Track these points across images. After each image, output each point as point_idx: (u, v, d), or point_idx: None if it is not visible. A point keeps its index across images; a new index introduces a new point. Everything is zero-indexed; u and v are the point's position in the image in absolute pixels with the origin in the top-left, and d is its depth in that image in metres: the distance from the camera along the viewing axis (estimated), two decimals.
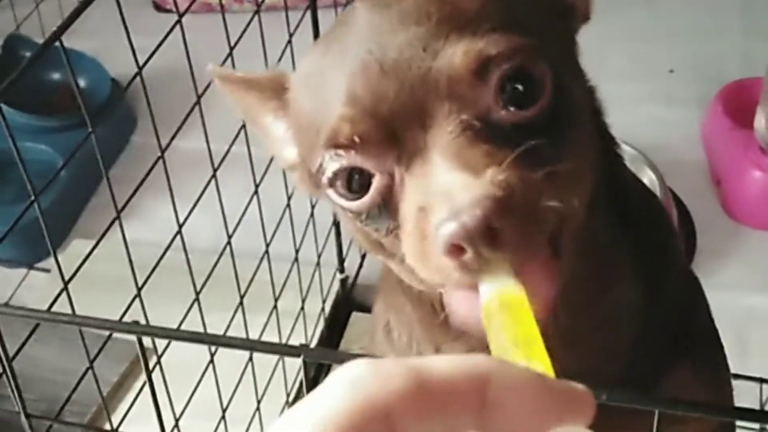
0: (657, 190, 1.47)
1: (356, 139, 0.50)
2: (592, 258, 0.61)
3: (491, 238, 0.43)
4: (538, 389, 0.28)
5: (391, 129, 0.49)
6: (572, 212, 0.51)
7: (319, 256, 1.37)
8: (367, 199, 0.52)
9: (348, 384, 0.27)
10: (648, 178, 1.50)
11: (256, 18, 1.08)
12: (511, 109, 0.49)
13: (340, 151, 0.51)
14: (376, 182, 0.51)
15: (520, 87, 0.49)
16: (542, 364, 0.34)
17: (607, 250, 0.65)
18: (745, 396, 1.21)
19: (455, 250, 0.43)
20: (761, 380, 1.26)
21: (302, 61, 0.60)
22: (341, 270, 1.46)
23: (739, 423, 1.17)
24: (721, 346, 0.81)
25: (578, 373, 0.31)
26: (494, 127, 0.49)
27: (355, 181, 0.52)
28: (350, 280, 1.48)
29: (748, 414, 0.48)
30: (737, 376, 1.23)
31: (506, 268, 0.43)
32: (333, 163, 0.51)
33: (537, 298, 0.43)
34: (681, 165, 1.62)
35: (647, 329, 0.68)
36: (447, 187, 0.46)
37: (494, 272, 0.43)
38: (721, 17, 2.09)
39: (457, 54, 0.48)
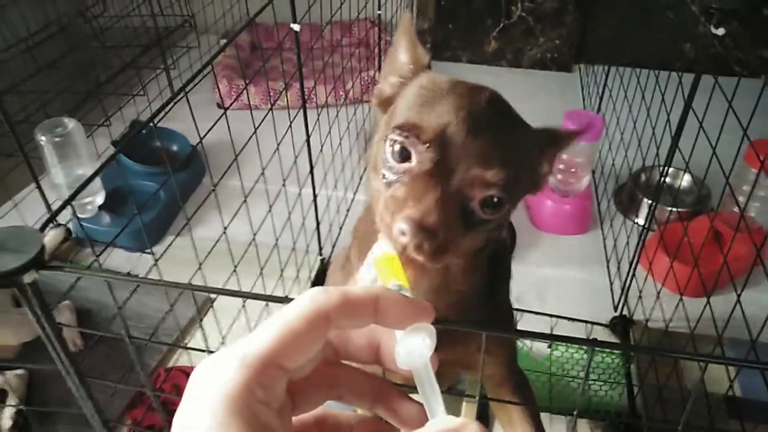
0: None
1: (426, 141, 0.46)
2: (463, 276, 0.59)
3: (419, 242, 0.42)
4: (404, 302, 0.30)
5: (439, 155, 0.45)
6: (461, 250, 0.49)
7: (308, 246, 1.35)
8: (398, 166, 0.47)
9: (308, 297, 0.28)
10: None
11: (271, 113, 1.05)
12: (482, 209, 0.47)
13: (414, 137, 0.46)
14: (409, 164, 0.47)
15: (495, 198, 0.46)
16: (407, 289, 0.34)
17: (470, 275, 0.60)
18: (539, 325, 1.23)
19: (402, 232, 0.42)
20: (551, 315, 1.25)
21: (442, 75, 0.53)
22: (320, 253, 1.43)
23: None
24: (512, 318, 0.78)
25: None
26: (467, 208, 0.46)
27: (403, 151, 0.47)
28: (326, 260, 1.44)
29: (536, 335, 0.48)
30: (537, 313, 1.27)
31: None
32: (402, 135, 0.47)
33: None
34: None
35: (478, 312, 0.64)
36: (428, 206, 0.43)
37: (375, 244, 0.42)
38: (532, 116, 2.08)
39: (489, 172, 0.45)
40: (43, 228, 0.51)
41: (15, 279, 0.48)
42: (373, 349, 0.31)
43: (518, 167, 0.48)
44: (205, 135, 0.84)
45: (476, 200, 0.46)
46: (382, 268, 0.37)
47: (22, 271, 0.47)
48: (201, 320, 1.23)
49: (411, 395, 0.32)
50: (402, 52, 0.57)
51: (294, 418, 0.30)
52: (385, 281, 0.36)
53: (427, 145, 0.46)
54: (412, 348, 0.29)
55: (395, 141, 0.47)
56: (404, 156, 0.47)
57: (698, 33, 2.24)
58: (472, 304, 0.62)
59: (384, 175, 0.48)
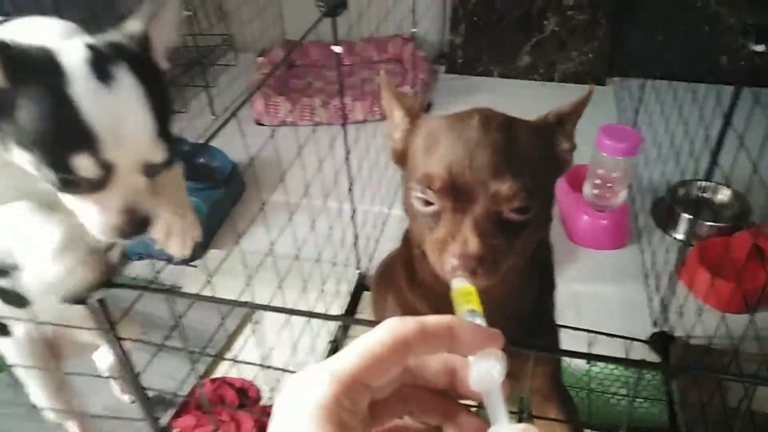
0: None
1: (438, 188, 0.50)
2: (516, 283, 0.60)
3: (472, 270, 0.47)
4: (477, 331, 0.32)
5: (456, 194, 0.50)
6: (515, 262, 0.53)
7: (347, 260, 1.38)
8: (427, 210, 0.52)
9: (387, 326, 0.30)
10: None
11: (312, 129, 1.07)
12: (514, 214, 0.50)
13: (427, 188, 0.51)
14: (435, 207, 0.51)
15: (522, 206, 0.50)
16: (481, 314, 0.37)
17: (524, 282, 0.63)
18: (577, 340, 1.21)
19: (454, 268, 0.47)
20: (589, 331, 1.23)
21: (435, 117, 0.57)
22: (358, 267, 1.45)
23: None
24: (557, 331, 0.78)
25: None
26: (502, 219, 0.50)
27: (426, 201, 0.52)
28: (364, 273, 1.46)
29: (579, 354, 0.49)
30: (575, 328, 1.25)
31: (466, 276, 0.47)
32: (419, 188, 0.51)
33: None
34: None
35: (529, 321, 0.66)
36: (465, 238, 0.48)
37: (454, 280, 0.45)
38: None
39: (505, 185, 0.49)
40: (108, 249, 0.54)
41: (85, 297, 0.51)
42: (447, 375, 0.33)
43: (532, 165, 0.52)
44: (258, 152, 0.86)
45: (506, 211, 0.50)
46: (460, 298, 0.40)
47: (93, 290, 0.50)
48: (254, 330, 1.26)
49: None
50: (394, 110, 0.61)
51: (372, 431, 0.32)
52: (460, 307, 0.39)
53: (439, 191, 0.50)
54: (484, 373, 0.31)
55: (417, 196, 0.52)
56: (428, 203, 0.52)
57: (735, 45, 2.21)
58: (520, 313, 0.64)
59: (422, 221, 0.53)
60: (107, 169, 0.51)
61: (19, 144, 0.50)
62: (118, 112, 0.49)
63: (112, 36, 0.54)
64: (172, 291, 0.52)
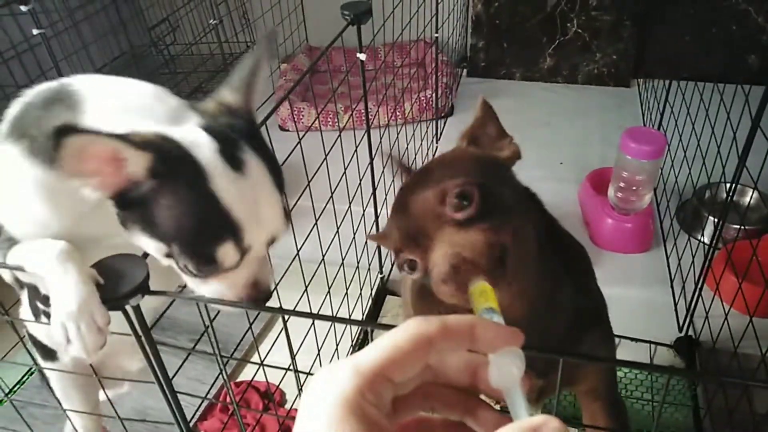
0: None
1: (402, 249, 0.53)
2: (539, 273, 0.60)
3: (453, 270, 0.47)
4: (497, 329, 0.33)
5: (414, 242, 0.52)
6: (509, 250, 0.51)
7: (369, 264, 1.39)
8: (418, 274, 0.53)
9: (410, 324, 0.31)
10: None
11: (336, 134, 1.09)
12: (459, 211, 0.51)
13: (399, 259, 0.54)
14: (420, 265, 0.53)
15: (462, 201, 0.50)
16: (498, 312, 0.38)
17: (548, 271, 0.62)
18: None
19: (442, 283, 0.48)
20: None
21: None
22: (381, 271, 1.46)
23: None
24: (608, 321, 0.80)
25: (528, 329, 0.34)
26: (455, 220, 0.50)
27: (412, 264, 0.53)
28: (386, 278, 1.48)
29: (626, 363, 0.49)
30: None
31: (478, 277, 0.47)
32: (398, 264, 0.54)
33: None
34: (567, 215, 1.62)
35: (574, 317, 0.67)
36: (435, 262, 0.49)
37: (471, 280, 0.46)
38: (588, 133, 2.07)
39: (428, 195, 0.52)
40: (145, 256, 0.57)
41: (123, 302, 0.53)
42: (468, 373, 0.34)
43: (455, 170, 0.54)
44: (285, 160, 0.87)
45: (453, 214, 0.51)
46: (478, 297, 0.42)
47: (130, 296, 0.52)
48: (288, 340, 1.28)
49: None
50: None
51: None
52: (479, 306, 0.40)
53: (400, 251, 0.53)
54: (504, 370, 0.32)
55: (404, 269, 0.54)
56: (412, 267, 0.54)
57: (764, 44, 2.17)
58: (560, 307, 0.64)
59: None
60: (243, 253, 0.51)
61: (153, 236, 0.50)
62: (254, 197, 0.50)
63: (221, 114, 0.53)
64: (204, 297, 0.54)
